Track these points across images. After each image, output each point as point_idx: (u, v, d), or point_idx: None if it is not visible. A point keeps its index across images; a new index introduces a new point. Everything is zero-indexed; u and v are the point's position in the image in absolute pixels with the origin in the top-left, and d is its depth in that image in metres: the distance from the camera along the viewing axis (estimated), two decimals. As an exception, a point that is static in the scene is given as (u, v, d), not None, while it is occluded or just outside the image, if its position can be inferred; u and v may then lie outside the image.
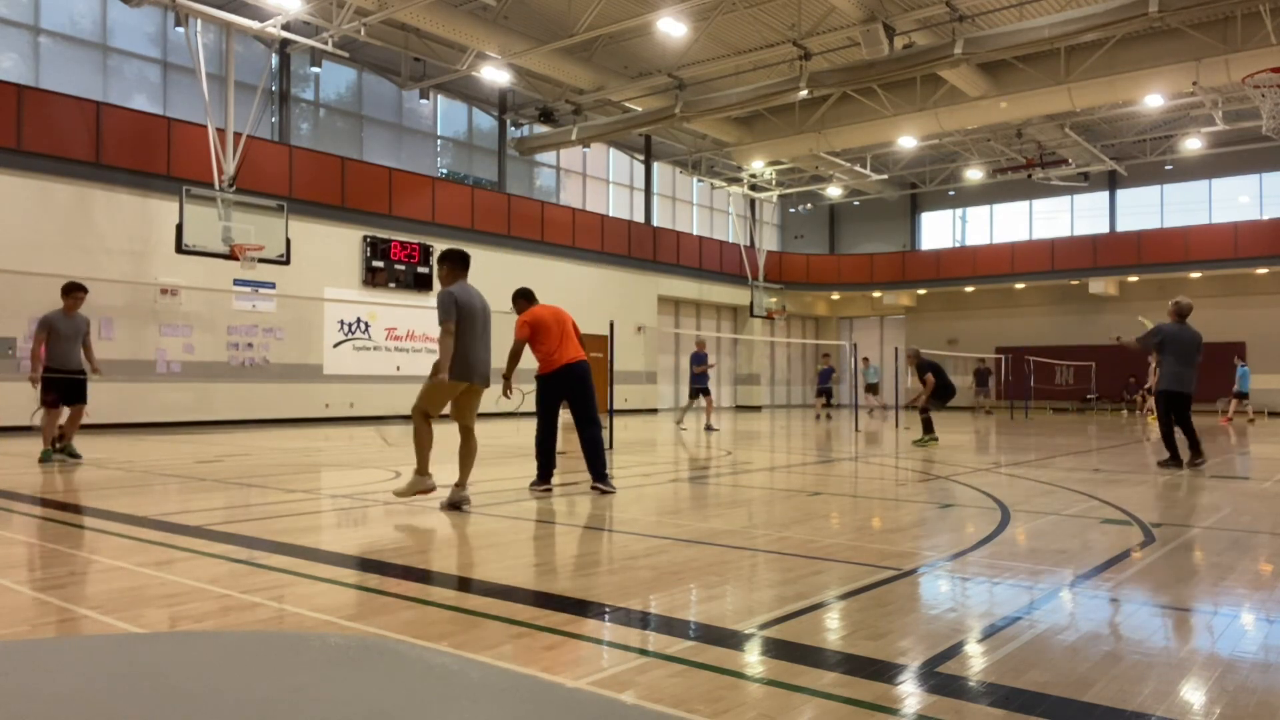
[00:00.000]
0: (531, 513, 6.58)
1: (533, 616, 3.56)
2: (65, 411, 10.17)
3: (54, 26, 17.58)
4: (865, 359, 27.28)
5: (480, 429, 6.94)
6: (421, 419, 6.48)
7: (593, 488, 7.53)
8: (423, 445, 6.46)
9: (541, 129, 24.74)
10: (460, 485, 6.55)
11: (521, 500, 7.17)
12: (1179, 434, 9.85)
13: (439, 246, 21.93)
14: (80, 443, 12.42)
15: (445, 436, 7.05)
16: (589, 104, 23.25)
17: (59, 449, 10.17)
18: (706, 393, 17.82)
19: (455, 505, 6.46)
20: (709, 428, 17.61)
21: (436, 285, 21.97)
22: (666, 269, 29.35)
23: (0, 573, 4.30)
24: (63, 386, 9.99)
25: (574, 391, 7.59)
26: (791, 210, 37.36)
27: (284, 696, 0.94)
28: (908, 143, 25.96)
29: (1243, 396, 22.12)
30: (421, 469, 6.46)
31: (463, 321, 6.34)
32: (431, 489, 6.47)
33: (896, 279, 34.28)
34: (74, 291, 10.05)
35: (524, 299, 7.80)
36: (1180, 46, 19.45)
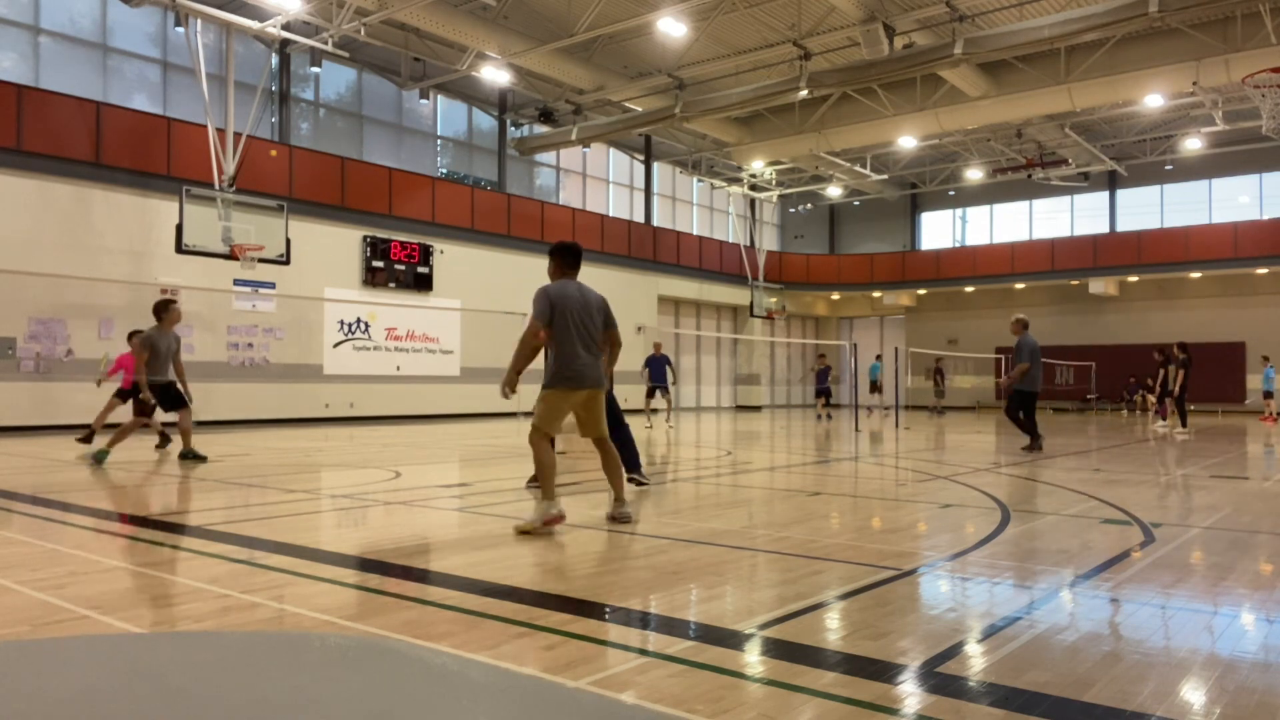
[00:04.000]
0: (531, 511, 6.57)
1: (533, 616, 3.56)
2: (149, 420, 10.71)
3: (54, 26, 17.58)
4: (879, 356, 26.69)
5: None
6: (541, 440, 5.79)
7: (629, 479, 7.58)
8: (545, 470, 5.72)
9: (541, 129, 24.74)
10: (619, 500, 6.05)
11: (521, 500, 7.17)
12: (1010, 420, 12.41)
13: (439, 246, 21.96)
14: (80, 443, 12.45)
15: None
16: (589, 104, 23.25)
17: (183, 454, 10.45)
18: (665, 391, 18.48)
19: (617, 519, 5.95)
20: (648, 426, 18.37)
21: (436, 285, 22.15)
22: (666, 269, 29.35)
23: (0, 573, 4.30)
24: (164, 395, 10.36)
25: None
26: (791, 210, 37.36)
27: (284, 696, 0.94)
28: (908, 143, 25.96)
29: (1270, 395, 22.43)
30: (547, 494, 5.68)
31: (558, 324, 5.76)
32: (560, 518, 5.63)
33: (896, 279, 34.29)
34: (170, 307, 10.32)
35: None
36: (1180, 46, 19.45)
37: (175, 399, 10.34)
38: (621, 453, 7.46)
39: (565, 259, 6.06)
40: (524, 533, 5.47)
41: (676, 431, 17.38)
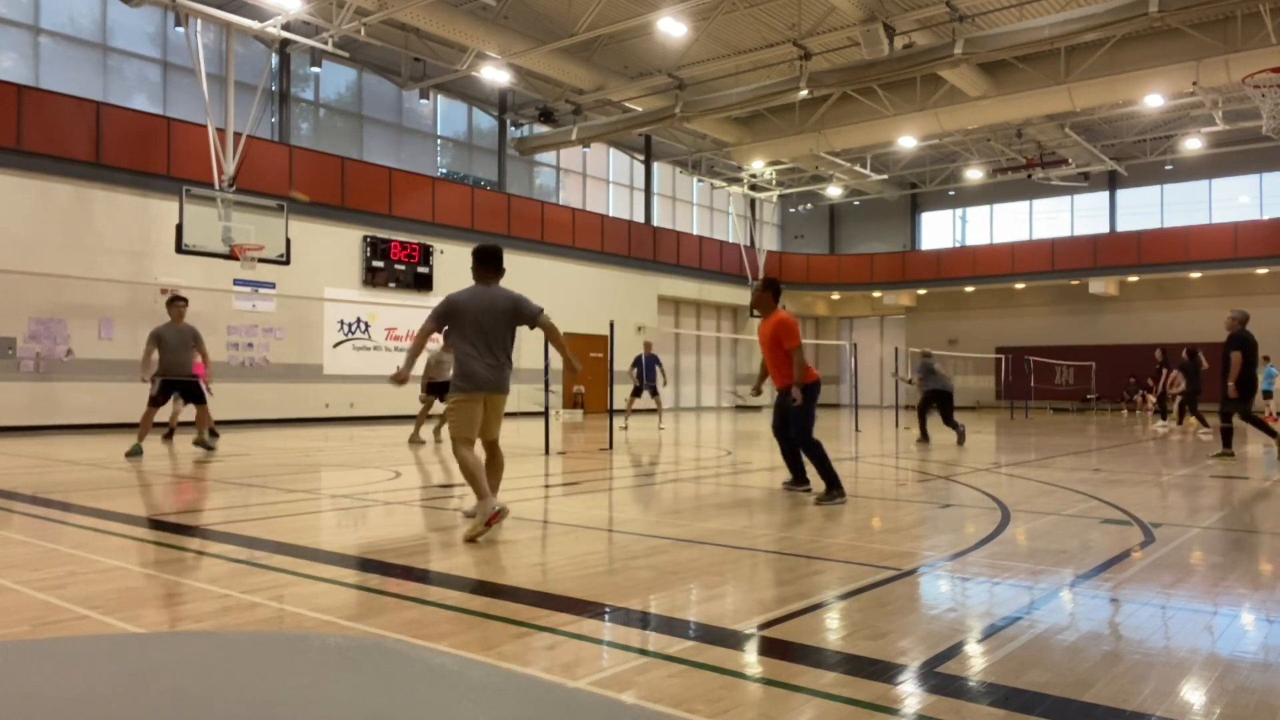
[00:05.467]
0: (531, 513, 6.57)
1: (533, 616, 3.56)
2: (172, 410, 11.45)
3: (54, 26, 17.58)
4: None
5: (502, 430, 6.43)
6: (463, 447, 5.67)
7: (816, 494, 7.34)
8: (471, 472, 5.54)
9: (541, 129, 24.74)
10: (490, 496, 5.91)
11: (522, 500, 7.17)
12: (931, 420, 14.66)
13: (439, 246, 21.97)
14: (80, 443, 12.47)
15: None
16: (589, 104, 23.25)
17: (196, 443, 11.11)
18: (655, 392, 18.00)
19: (472, 515, 5.90)
20: (623, 428, 17.96)
21: (436, 285, 22.17)
22: (666, 269, 29.35)
23: (0, 573, 4.30)
24: (170, 389, 10.87)
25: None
26: (791, 210, 37.36)
27: (284, 696, 0.94)
28: (908, 143, 25.96)
29: (1269, 395, 22.49)
30: (481, 493, 5.49)
31: (454, 330, 5.69)
32: (502, 513, 5.45)
33: (896, 279, 34.30)
34: (176, 303, 10.79)
35: (772, 292, 7.64)
36: (1180, 46, 19.45)
37: (194, 394, 10.87)
38: (791, 462, 7.60)
39: (483, 264, 5.80)
40: (472, 539, 5.25)
41: (668, 433, 17.37)
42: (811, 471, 7.45)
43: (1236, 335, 10.88)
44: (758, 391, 8.19)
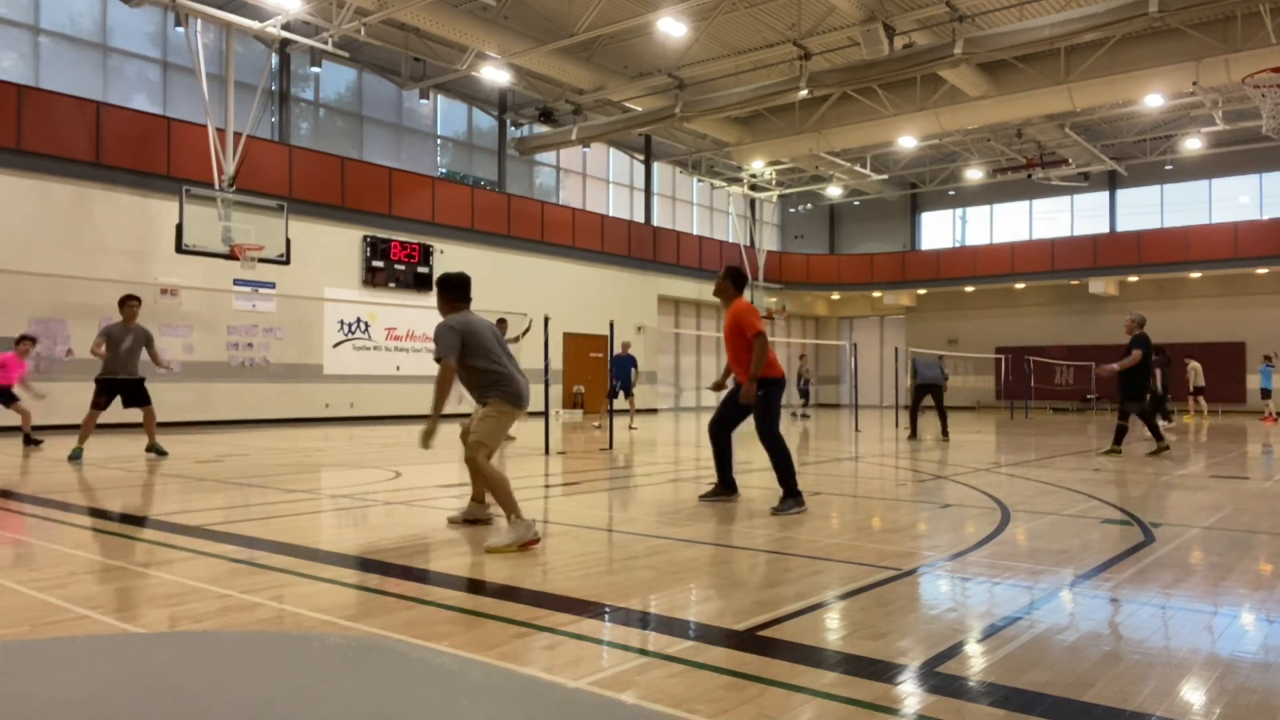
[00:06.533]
0: (532, 513, 6.57)
1: (533, 616, 3.56)
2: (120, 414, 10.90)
3: (54, 26, 17.58)
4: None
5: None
6: (485, 459, 5.42)
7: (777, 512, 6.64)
8: (504, 487, 5.25)
9: (541, 129, 24.74)
10: (480, 501, 5.95)
11: (522, 500, 7.15)
12: (920, 415, 15.45)
13: (439, 246, 21.97)
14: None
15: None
16: (589, 104, 23.25)
17: (147, 449, 10.77)
18: (630, 393, 17.90)
19: (475, 520, 5.91)
20: (595, 427, 17.95)
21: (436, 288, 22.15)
22: (666, 269, 29.34)
23: (0, 573, 4.30)
24: (114, 391, 10.48)
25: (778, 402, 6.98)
26: (791, 210, 37.36)
27: (284, 696, 0.94)
28: (908, 143, 25.96)
29: (1267, 394, 22.54)
30: (517, 512, 5.18)
31: (485, 348, 5.47)
32: (537, 540, 5.13)
33: (896, 279, 34.30)
34: (128, 302, 10.51)
35: (733, 280, 7.09)
36: (1180, 46, 19.45)
37: (138, 396, 10.57)
38: (721, 465, 7.24)
39: (454, 293, 5.63)
40: (493, 551, 5.03)
41: (669, 433, 17.36)
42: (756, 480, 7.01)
43: (1139, 337, 11.56)
44: (720, 386, 7.65)
